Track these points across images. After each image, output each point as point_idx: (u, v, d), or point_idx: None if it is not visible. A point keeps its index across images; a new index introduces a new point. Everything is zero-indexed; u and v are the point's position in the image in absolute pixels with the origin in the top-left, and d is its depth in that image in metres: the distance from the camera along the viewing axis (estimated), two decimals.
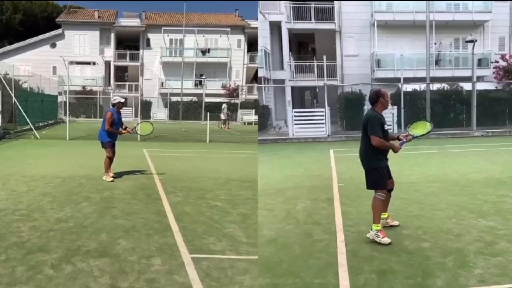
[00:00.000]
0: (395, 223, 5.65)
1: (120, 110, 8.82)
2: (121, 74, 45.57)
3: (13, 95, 19.82)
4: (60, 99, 32.90)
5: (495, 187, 7.91)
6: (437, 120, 19.60)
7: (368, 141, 5.24)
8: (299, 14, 27.59)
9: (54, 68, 41.07)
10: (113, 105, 8.76)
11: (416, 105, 20.99)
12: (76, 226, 5.47)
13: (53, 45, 42.62)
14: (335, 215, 6.30)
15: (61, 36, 42.82)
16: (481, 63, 26.98)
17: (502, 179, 8.68)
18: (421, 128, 5.71)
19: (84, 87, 40.59)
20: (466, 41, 22.13)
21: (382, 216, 5.47)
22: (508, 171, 9.56)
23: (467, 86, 21.82)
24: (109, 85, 43.39)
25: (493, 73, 26.29)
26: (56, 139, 17.59)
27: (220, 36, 43.98)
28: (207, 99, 38.72)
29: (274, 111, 25.68)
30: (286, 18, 27.29)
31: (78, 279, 3.91)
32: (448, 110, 21.72)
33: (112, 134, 8.67)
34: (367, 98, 6.64)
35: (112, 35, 43.40)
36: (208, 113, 20.42)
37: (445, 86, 22.24)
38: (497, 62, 25.88)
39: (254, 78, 45.47)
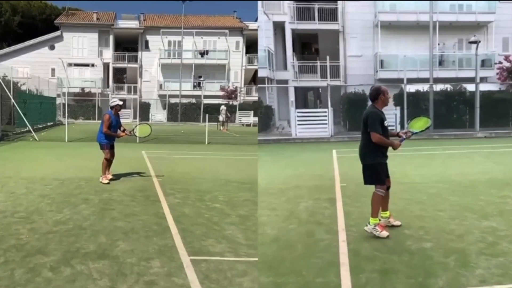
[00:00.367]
0: (397, 223, 5.66)
1: (119, 112, 8.80)
2: (120, 76, 45.60)
3: (11, 97, 19.80)
4: (58, 101, 32.87)
5: (498, 188, 7.92)
6: (440, 121, 19.78)
7: (368, 137, 5.28)
8: (303, 14, 27.72)
9: (53, 70, 41.04)
10: (111, 107, 8.73)
11: (419, 106, 20.99)
12: (75, 228, 5.46)
13: (52, 47, 42.63)
14: (337, 215, 6.32)
15: (59, 38, 42.87)
16: (484, 64, 26.98)
17: (506, 180, 8.69)
18: (420, 123, 5.77)
19: (82, 89, 40.58)
20: (470, 42, 22.20)
21: (383, 215, 5.55)
22: (511, 172, 9.58)
23: (470, 87, 21.86)
24: (108, 87, 43.42)
25: (497, 74, 26.27)
26: (54, 141, 17.56)
27: (219, 38, 44.03)
28: (205, 101, 38.74)
29: (277, 111, 25.79)
30: (290, 19, 27.44)
31: (77, 281, 3.90)
32: (451, 111, 21.77)
33: (110, 136, 8.66)
34: None
35: (111, 37, 43.45)
36: (207, 115, 20.41)
37: (448, 87, 22.32)
38: (500, 63, 25.86)
39: (252, 80, 45.51)
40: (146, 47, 44.03)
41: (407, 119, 19.48)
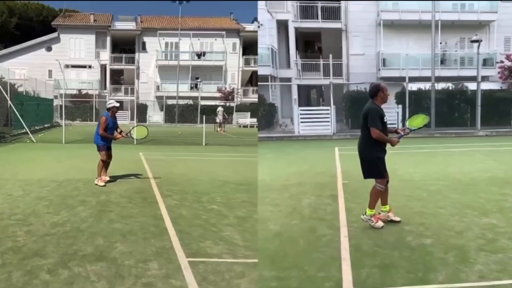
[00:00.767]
0: (397, 218, 5.73)
1: (116, 114, 8.77)
2: (117, 78, 45.57)
3: (8, 99, 19.77)
4: (56, 102, 32.75)
5: (499, 186, 7.98)
6: (441, 119, 19.92)
7: (367, 133, 5.39)
8: (306, 13, 27.88)
9: (50, 71, 40.96)
10: (108, 109, 8.68)
11: (421, 104, 21.12)
12: (73, 230, 5.45)
13: (49, 49, 42.55)
14: (339, 211, 6.40)
15: (56, 40, 42.79)
16: (486, 63, 27.10)
17: (506, 178, 8.75)
18: (418, 121, 5.87)
19: (80, 90, 40.47)
20: (472, 41, 22.29)
21: (383, 210, 5.68)
22: None
23: (472, 86, 22.02)
24: (105, 88, 43.37)
25: (498, 73, 26.32)
26: (52, 142, 17.53)
27: (215, 39, 44.05)
28: (202, 102, 38.73)
29: (280, 109, 25.96)
30: (293, 17, 27.59)
31: (75, 284, 3.90)
32: (452, 109, 21.93)
33: (106, 138, 8.63)
34: None
35: (108, 39, 43.40)
36: (204, 116, 20.42)
37: (450, 85, 22.45)
38: (502, 62, 25.89)
39: (249, 81, 45.54)
40: (143, 48, 44.01)
41: (408, 117, 19.52)
